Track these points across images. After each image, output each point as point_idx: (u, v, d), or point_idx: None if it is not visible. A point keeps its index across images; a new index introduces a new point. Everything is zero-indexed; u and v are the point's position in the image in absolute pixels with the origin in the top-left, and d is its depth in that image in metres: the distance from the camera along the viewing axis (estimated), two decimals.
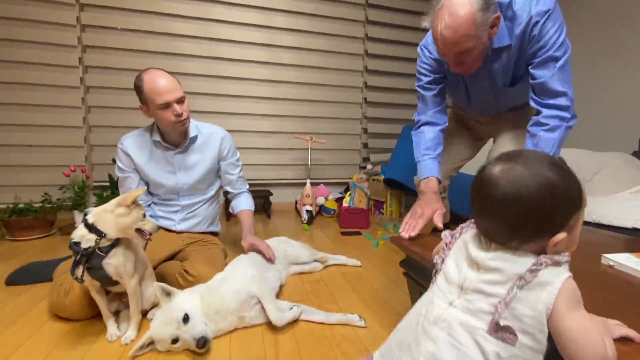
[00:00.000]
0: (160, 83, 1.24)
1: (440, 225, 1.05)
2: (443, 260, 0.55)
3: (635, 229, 1.34)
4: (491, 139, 1.43)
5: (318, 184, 2.91)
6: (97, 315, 1.09)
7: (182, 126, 1.34)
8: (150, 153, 1.40)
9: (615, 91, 2.39)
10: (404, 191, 2.71)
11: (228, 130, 1.60)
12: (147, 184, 1.44)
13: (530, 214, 0.45)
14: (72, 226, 2.13)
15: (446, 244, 0.57)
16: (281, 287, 1.38)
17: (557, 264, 0.45)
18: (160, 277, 1.24)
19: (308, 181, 2.68)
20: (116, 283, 1.01)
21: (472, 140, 1.44)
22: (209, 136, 1.50)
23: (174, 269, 1.27)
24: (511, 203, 0.46)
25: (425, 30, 1.07)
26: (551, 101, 1.00)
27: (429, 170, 1.16)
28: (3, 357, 0.92)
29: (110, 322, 1.03)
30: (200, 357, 0.94)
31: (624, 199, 1.61)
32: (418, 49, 1.20)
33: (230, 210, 1.62)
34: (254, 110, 2.79)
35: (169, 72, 2.64)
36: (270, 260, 1.36)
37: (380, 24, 3.01)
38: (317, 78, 2.91)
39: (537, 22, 0.95)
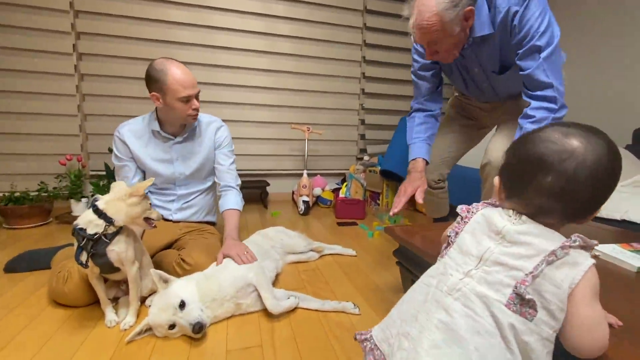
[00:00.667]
0: (186, 76, 1.26)
1: (420, 200, 1.15)
2: (457, 233, 0.54)
3: (624, 221, 1.37)
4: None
5: (315, 174, 2.92)
6: (96, 302, 1.11)
7: (193, 119, 1.38)
8: (147, 142, 1.41)
9: (610, 85, 2.40)
10: (400, 183, 2.73)
11: (224, 120, 1.59)
12: (143, 172, 1.45)
13: (609, 192, 0.47)
14: (69, 215, 2.13)
15: (462, 218, 0.56)
16: (278, 275, 1.40)
17: (585, 247, 0.45)
18: (158, 266, 1.26)
19: (305, 172, 2.69)
20: (116, 270, 1.03)
21: (474, 129, 1.45)
22: (207, 126, 1.50)
23: (171, 257, 1.29)
24: (606, 178, 0.46)
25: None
26: (538, 93, 1.01)
27: (417, 152, 1.25)
28: (5, 341, 0.94)
29: (108, 308, 1.05)
30: (197, 342, 0.97)
31: (614, 191, 1.63)
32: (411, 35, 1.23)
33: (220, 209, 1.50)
34: (250, 100, 2.77)
35: None
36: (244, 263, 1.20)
37: (379, 14, 2.98)
38: (314, 68, 2.88)
39: (517, 11, 0.94)
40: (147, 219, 1.05)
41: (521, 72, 1.02)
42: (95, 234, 0.94)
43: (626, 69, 2.30)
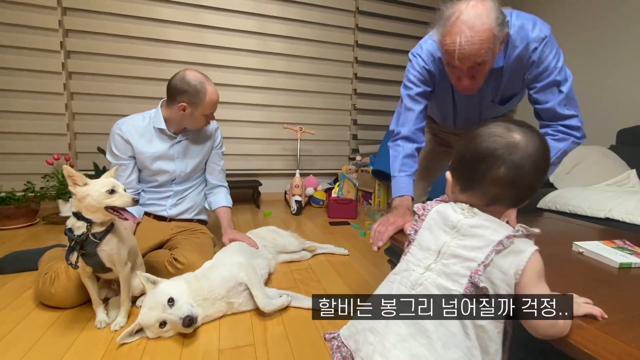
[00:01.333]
0: (217, 96, 1.41)
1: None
2: (416, 231, 0.57)
3: (607, 219, 1.41)
4: None
5: (307, 174, 2.93)
6: (84, 303, 1.10)
7: (204, 127, 1.49)
8: (150, 140, 1.40)
9: (595, 87, 2.46)
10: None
11: (216, 120, 1.59)
12: (139, 172, 1.43)
13: (543, 175, 0.53)
14: (57, 215, 2.09)
15: (419, 216, 0.59)
16: (270, 275, 1.40)
17: (529, 236, 0.50)
18: (149, 265, 1.25)
19: (297, 172, 2.69)
20: (108, 270, 1.02)
21: (450, 155, 1.45)
22: (205, 127, 1.52)
23: (162, 257, 1.28)
24: (543, 165, 0.52)
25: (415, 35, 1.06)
26: (561, 122, 1.02)
27: (404, 189, 1.13)
28: None
29: (99, 309, 1.04)
30: (189, 342, 0.97)
31: (599, 190, 1.68)
32: (410, 55, 1.15)
33: (207, 206, 1.61)
34: (242, 99, 2.76)
35: (154, 59, 2.57)
36: (252, 246, 1.41)
37: (371, 15, 3.00)
38: (307, 68, 2.89)
39: (536, 47, 0.96)
40: (114, 210, 0.94)
41: (538, 106, 1.03)
42: (82, 234, 0.93)
43: (610, 70, 2.37)
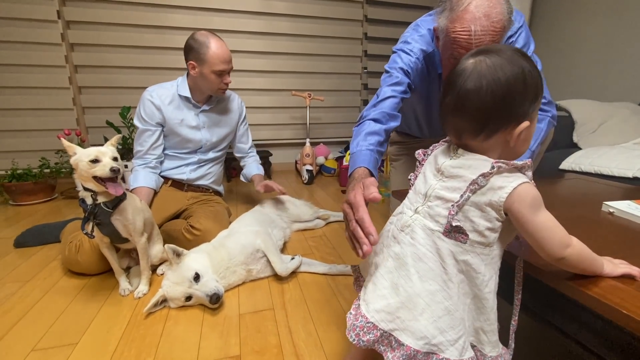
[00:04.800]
0: (225, 52, 1.35)
1: (378, 196, 0.67)
2: (416, 176, 0.59)
3: (636, 178, 1.34)
4: None
5: (318, 143, 2.87)
6: (108, 271, 1.13)
7: (222, 93, 1.46)
8: (177, 108, 1.42)
9: (626, 40, 2.26)
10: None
11: None
12: (163, 142, 1.44)
13: (504, 98, 0.46)
14: (74, 190, 2.13)
15: (419, 162, 0.60)
16: (286, 243, 1.41)
17: (514, 169, 0.47)
18: (166, 234, 1.27)
19: (307, 140, 2.64)
20: (126, 240, 1.03)
21: None
22: (230, 98, 1.57)
23: (179, 225, 1.31)
24: (489, 87, 0.46)
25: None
26: None
27: (361, 161, 0.89)
28: (21, 313, 0.97)
29: (122, 277, 1.07)
30: (211, 309, 0.99)
31: (626, 149, 1.59)
32: (396, 49, 1.08)
33: (242, 178, 1.70)
34: (247, 66, 2.66)
35: (154, 26, 2.47)
36: (283, 192, 1.53)
37: None
38: (314, 29, 2.74)
39: (511, 37, 0.97)
40: (100, 180, 0.91)
41: None
42: (93, 204, 0.93)
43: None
